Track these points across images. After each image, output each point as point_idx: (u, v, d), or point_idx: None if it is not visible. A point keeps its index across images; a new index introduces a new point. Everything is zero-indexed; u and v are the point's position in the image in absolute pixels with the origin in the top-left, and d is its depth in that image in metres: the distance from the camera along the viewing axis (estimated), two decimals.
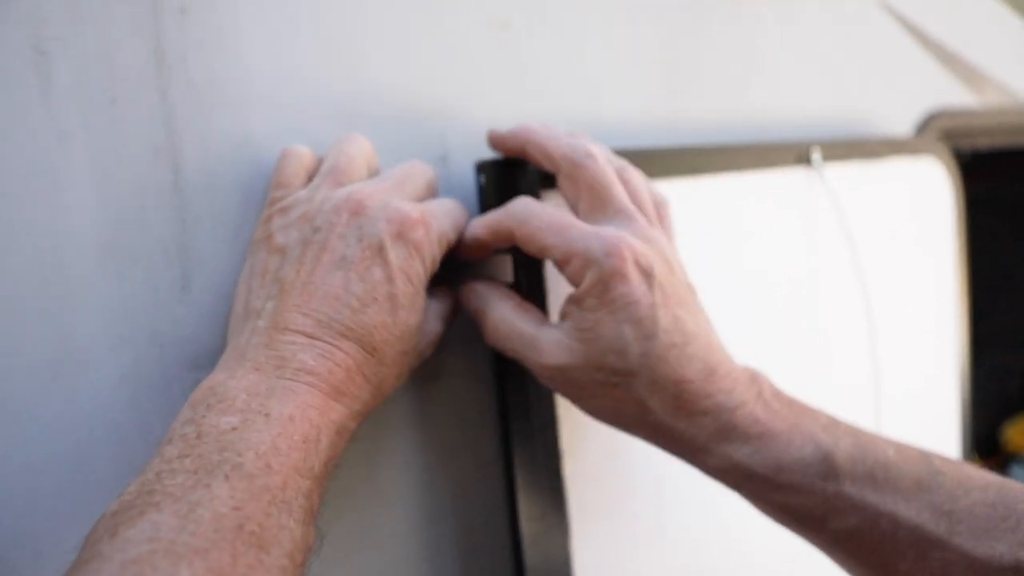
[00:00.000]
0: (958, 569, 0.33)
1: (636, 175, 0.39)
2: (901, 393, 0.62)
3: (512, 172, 0.41)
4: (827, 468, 0.35)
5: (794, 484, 0.35)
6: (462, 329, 0.43)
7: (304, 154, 0.38)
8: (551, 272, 0.42)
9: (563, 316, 0.36)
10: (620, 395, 0.35)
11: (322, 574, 0.40)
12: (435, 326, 0.38)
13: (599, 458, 0.45)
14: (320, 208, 0.35)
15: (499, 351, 0.38)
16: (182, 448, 0.27)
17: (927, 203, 0.67)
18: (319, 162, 0.38)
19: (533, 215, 0.36)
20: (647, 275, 0.35)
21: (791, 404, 0.37)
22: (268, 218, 0.36)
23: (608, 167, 0.38)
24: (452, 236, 0.37)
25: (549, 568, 0.43)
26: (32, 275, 0.33)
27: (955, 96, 0.75)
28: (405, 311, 0.34)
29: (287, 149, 0.38)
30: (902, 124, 0.70)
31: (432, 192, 0.39)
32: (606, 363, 0.34)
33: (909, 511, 0.34)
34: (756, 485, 0.36)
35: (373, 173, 0.39)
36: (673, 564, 0.49)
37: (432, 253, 0.35)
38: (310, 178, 0.38)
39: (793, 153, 0.54)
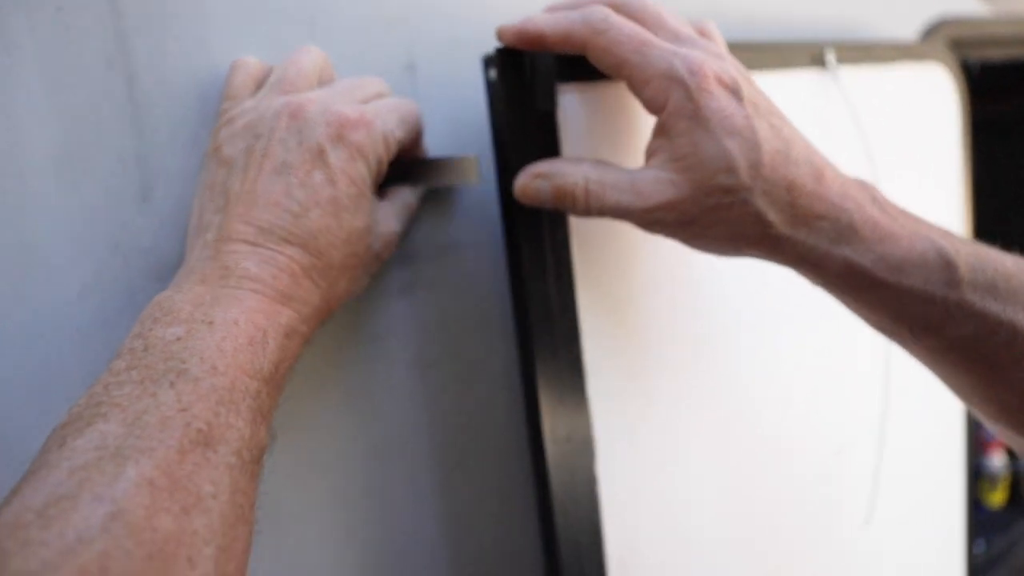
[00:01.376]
0: None
1: (672, 14, 0.37)
2: None
3: (526, 61, 0.38)
4: (949, 275, 0.34)
5: (916, 290, 0.34)
6: (426, 242, 0.43)
7: (253, 65, 0.37)
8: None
9: (651, 154, 0.35)
10: (736, 215, 0.34)
11: (338, 488, 0.41)
12: (391, 226, 0.37)
13: (624, 377, 0.44)
14: (262, 116, 0.34)
15: (598, 215, 0.36)
16: (129, 361, 0.28)
17: (933, 114, 0.65)
18: (268, 72, 0.38)
19: (612, 25, 0.34)
20: (734, 90, 0.34)
21: (905, 212, 0.37)
22: (216, 131, 0.36)
23: (640, 7, 0.36)
24: (400, 134, 0.36)
25: (576, 489, 0.42)
26: None
27: (963, 4, 0.72)
28: (350, 213, 0.34)
29: (237, 61, 0.37)
30: (908, 31, 0.68)
31: (380, 99, 0.38)
32: (717, 183, 0.33)
33: None
34: (876, 292, 0.35)
35: (325, 85, 0.38)
36: (699, 483, 0.49)
37: (377, 154, 0.35)
38: (260, 89, 0.37)
39: (807, 53, 0.52)
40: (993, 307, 0.34)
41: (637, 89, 0.34)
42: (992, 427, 0.39)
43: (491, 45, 0.43)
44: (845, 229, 0.34)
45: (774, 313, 0.52)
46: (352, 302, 0.41)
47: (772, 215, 0.34)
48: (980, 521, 1.09)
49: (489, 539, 0.46)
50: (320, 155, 0.33)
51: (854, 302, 0.37)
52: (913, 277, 0.34)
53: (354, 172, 0.34)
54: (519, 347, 0.41)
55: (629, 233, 0.44)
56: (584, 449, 0.42)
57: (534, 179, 0.36)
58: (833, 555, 0.59)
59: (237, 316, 0.30)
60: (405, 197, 0.39)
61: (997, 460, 1.14)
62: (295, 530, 0.40)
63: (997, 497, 1.14)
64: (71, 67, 0.34)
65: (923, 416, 0.64)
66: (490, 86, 0.38)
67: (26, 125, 0.33)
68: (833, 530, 0.59)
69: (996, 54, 0.78)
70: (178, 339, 0.28)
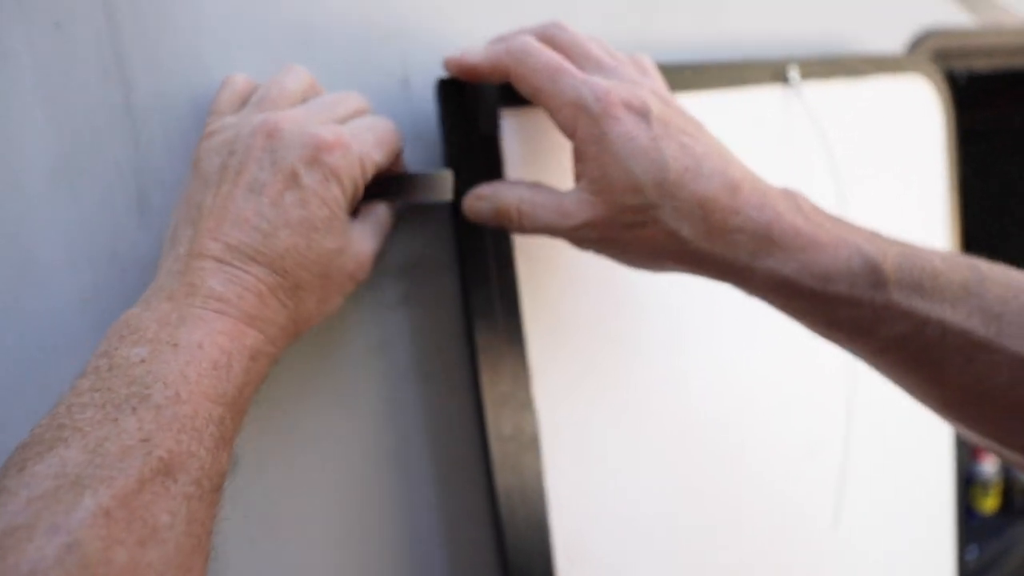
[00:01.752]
0: (1006, 369, 0.34)
1: (598, 43, 0.39)
2: None
3: (470, 92, 0.40)
4: (875, 277, 0.35)
5: (842, 296, 0.35)
6: (428, 255, 0.43)
7: (241, 82, 0.37)
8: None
9: (577, 177, 0.37)
10: (651, 233, 0.35)
11: (336, 496, 0.41)
12: (366, 246, 0.37)
13: (569, 377, 0.45)
14: (238, 133, 0.34)
15: (532, 234, 0.38)
16: (94, 381, 0.28)
17: (915, 126, 0.65)
18: (255, 89, 0.38)
19: (530, 55, 0.36)
20: (641, 112, 0.35)
21: (832, 218, 0.37)
22: (199, 144, 0.36)
23: (568, 39, 0.38)
24: (378, 157, 0.36)
25: (523, 487, 0.43)
26: None
27: (950, 16, 0.73)
28: (320, 235, 0.34)
29: (227, 78, 0.37)
30: (893, 44, 0.69)
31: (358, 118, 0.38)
32: (626, 203, 0.35)
33: (957, 316, 0.35)
34: (804, 300, 0.36)
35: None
36: (648, 480, 0.49)
37: (352, 176, 0.35)
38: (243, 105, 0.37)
39: (768, 71, 0.53)
40: (920, 305, 0.35)
41: (552, 115, 0.36)
42: (946, 422, 0.40)
43: None
44: (763, 240, 0.35)
45: (733, 310, 0.53)
46: (352, 314, 0.41)
47: (686, 231, 0.35)
48: (973, 527, 1.09)
49: (486, 546, 0.46)
50: (293, 176, 0.33)
51: (788, 311, 0.38)
52: (838, 283, 0.35)
53: (327, 194, 0.34)
54: (469, 351, 0.43)
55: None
56: (530, 445, 0.43)
57: (476, 200, 0.38)
58: (797, 555, 0.59)
59: (201, 339, 0.29)
60: (379, 215, 0.39)
61: (989, 466, 1.14)
62: (294, 538, 0.40)
63: (990, 503, 1.15)
64: (68, 79, 0.34)
65: (907, 420, 0.65)
66: (440, 112, 0.41)
67: (23, 136, 0.34)
68: (797, 530, 0.59)
69: (982, 64, 0.79)
70: (142, 361, 0.28)
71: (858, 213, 0.58)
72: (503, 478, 0.42)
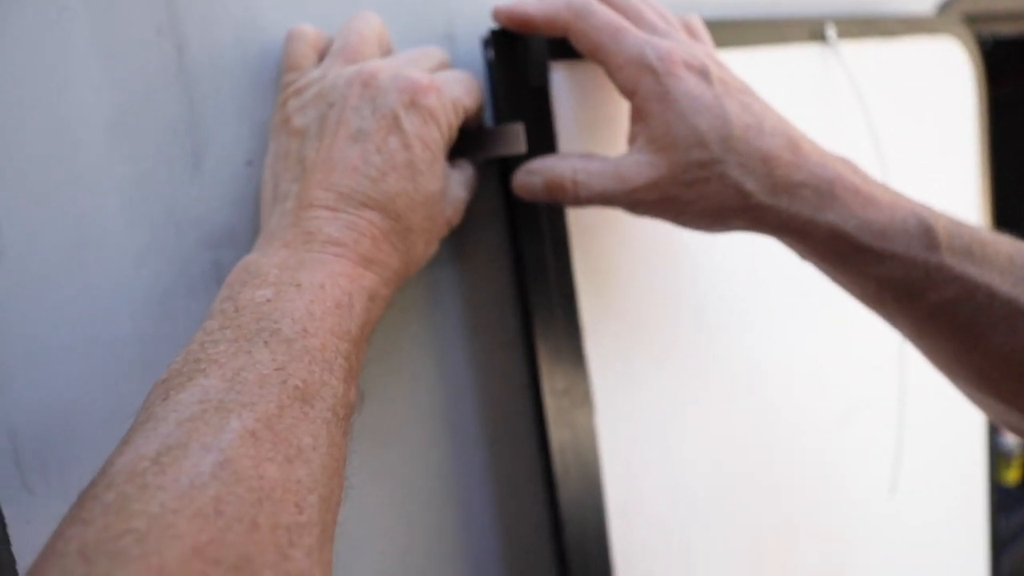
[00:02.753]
0: None
1: (652, 6, 0.39)
2: None
3: (520, 44, 0.40)
4: (929, 239, 0.35)
5: (897, 254, 0.36)
6: (475, 212, 0.43)
7: (311, 33, 0.37)
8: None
9: (631, 139, 0.37)
10: (715, 188, 0.35)
11: (389, 453, 0.41)
12: (459, 193, 0.38)
13: (620, 334, 0.45)
14: (333, 85, 0.35)
15: (588, 204, 0.38)
16: (222, 321, 0.28)
17: (947, 88, 0.65)
18: (327, 41, 0.38)
19: (593, 12, 0.36)
20: (702, 72, 0.36)
21: (883, 185, 0.38)
22: (283, 102, 0.36)
23: (624, 2, 0.38)
24: (467, 103, 0.37)
25: (576, 442, 0.43)
26: (45, 153, 0.33)
27: None
28: (425, 177, 0.34)
29: (293, 30, 0.37)
30: (922, 6, 0.68)
31: (445, 69, 0.39)
32: (691, 159, 0.35)
33: (1004, 284, 0.35)
34: (861, 258, 0.36)
35: (385, 52, 0.39)
36: (699, 440, 0.49)
37: (448, 119, 0.35)
38: (320, 58, 0.38)
39: (806, 28, 0.52)
40: (971, 270, 0.35)
41: (611, 73, 0.36)
42: (971, 396, 0.40)
43: None
44: (826, 195, 0.36)
45: (785, 274, 0.53)
46: None
47: (750, 185, 0.35)
48: (995, 498, 1.09)
49: (535, 501, 0.46)
50: (394, 121, 0.33)
51: (839, 270, 0.38)
52: (895, 242, 0.36)
53: (428, 136, 0.34)
54: (520, 307, 0.43)
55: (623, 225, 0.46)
56: (583, 401, 0.43)
57: (527, 175, 0.38)
58: (848, 519, 0.60)
59: (323, 280, 0.30)
60: (467, 167, 0.39)
61: (1011, 437, 1.15)
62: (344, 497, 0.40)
63: (1012, 475, 1.15)
64: (122, 35, 0.34)
65: (942, 391, 0.65)
66: (489, 65, 0.41)
67: (80, 92, 0.33)
68: (848, 494, 0.59)
69: (1009, 29, 0.78)
70: (268, 301, 0.29)
71: (895, 173, 0.57)
72: (557, 433, 0.42)
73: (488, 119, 0.41)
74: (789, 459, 0.55)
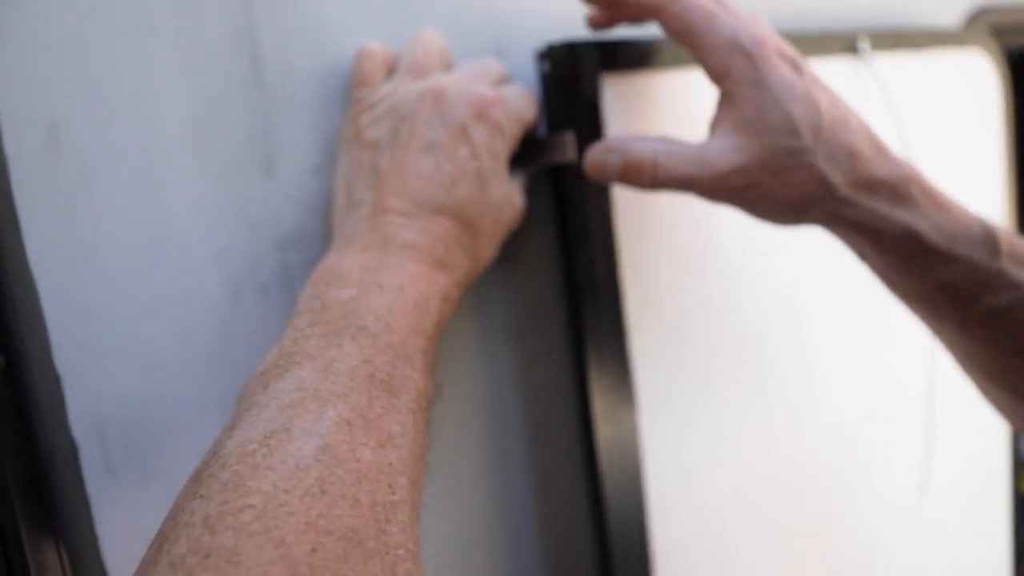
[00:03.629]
0: None
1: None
2: None
3: (573, 56, 0.41)
4: (991, 245, 0.37)
5: (961, 257, 0.37)
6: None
7: (379, 51, 0.40)
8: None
9: (715, 125, 0.37)
10: (801, 177, 0.36)
11: (432, 446, 0.43)
12: (519, 199, 0.40)
13: (663, 334, 0.47)
14: (405, 99, 0.37)
15: (663, 188, 0.37)
16: (310, 318, 0.31)
17: (975, 101, 0.66)
18: (394, 57, 0.40)
19: None
20: (794, 63, 0.36)
21: (947, 194, 0.39)
22: (355, 116, 0.38)
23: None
24: (527, 116, 0.39)
25: (619, 438, 0.45)
26: (132, 160, 0.35)
27: None
28: (491, 185, 0.37)
29: (363, 49, 0.40)
30: (950, 18, 0.70)
31: (505, 83, 0.41)
32: (782, 145, 0.35)
33: None
34: (927, 258, 0.37)
35: (447, 65, 0.41)
36: (732, 438, 0.51)
37: (511, 130, 0.37)
38: (388, 73, 0.40)
39: (839, 42, 0.54)
40: None
41: (703, 56, 0.36)
42: (1005, 405, 0.42)
43: (577, 30, 0.45)
44: (903, 195, 0.37)
45: (821, 280, 0.55)
46: None
47: (835, 177, 0.36)
48: (1018, 507, 1.09)
49: (572, 502, 0.48)
50: (464, 132, 0.36)
51: (901, 271, 0.39)
52: (961, 245, 0.37)
53: (494, 146, 0.36)
54: (568, 306, 0.44)
55: (672, 212, 0.47)
56: (627, 398, 0.45)
57: (605, 153, 0.37)
58: (880, 522, 0.61)
59: (402, 281, 0.32)
60: (523, 175, 0.41)
61: None
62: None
63: None
64: (204, 49, 0.36)
65: (967, 398, 0.66)
66: (542, 78, 0.42)
67: (164, 103, 0.36)
68: (881, 497, 0.61)
69: None
70: (352, 299, 0.31)
71: None
72: (603, 429, 0.44)
73: (541, 130, 0.43)
74: (820, 460, 0.57)
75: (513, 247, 0.45)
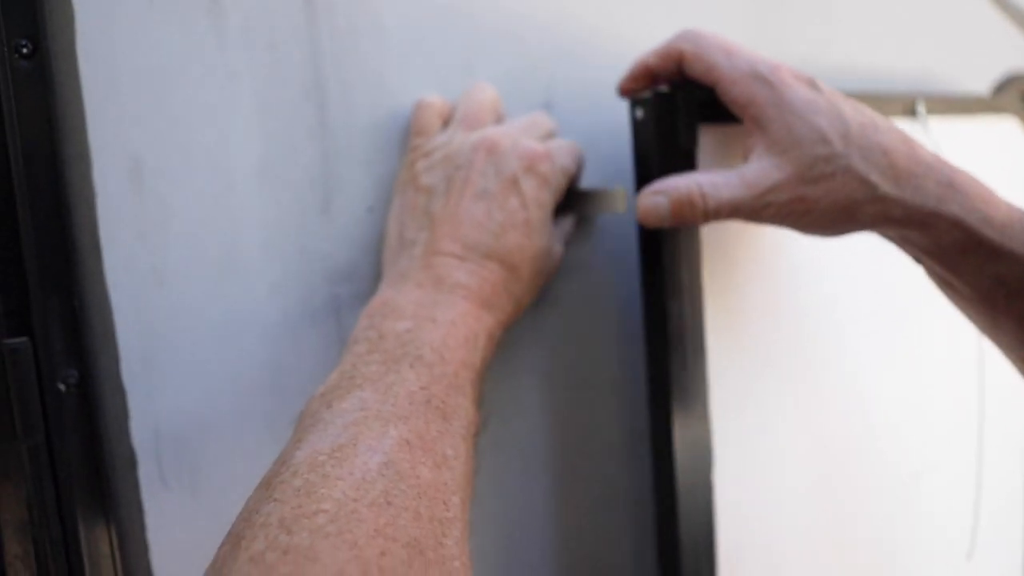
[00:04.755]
0: None
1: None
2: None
3: (674, 103, 0.41)
4: None
5: (1015, 252, 0.37)
6: (600, 265, 0.47)
7: (436, 103, 0.42)
8: None
9: (749, 151, 0.38)
10: (842, 182, 0.36)
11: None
12: (559, 248, 0.42)
13: (742, 386, 0.48)
14: (459, 149, 0.40)
15: (715, 217, 0.38)
16: (368, 347, 0.33)
17: (1009, 162, 0.68)
18: (450, 108, 0.43)
19: (703, 36, 0.39)
20: (810, 83, 0.38)
21: (994, 189, 0.39)
22: (412, 162, 0.41)
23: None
24: (573, 170, 0.41)
25: (696, 459, 0.44)
26: (206, 193, 0.38)
27: None
28: (538, 234, 0.39)
29: (421, 100, 0.42)
30: (979, 86, 0.71)
31: (552, 137, 0.44)
32: (816, 154, 0.36)
33: None
34: (980, 252, 0.38)
35: (499, 118, 0.44)
36: (800, 469, 0.52)
37: (558, 183, 0.40)
38: (444, 124, 0.43)
39: (899, 104, 0.56)
40: None
41: (726, 88, 0.38)
42: None
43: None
44: (948, 187, 0.37)
45: (881, 319, 0.56)
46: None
47: (875, 176, 0.37)
48: None
49: (595, 536, 0.50)
50: (514, 183, 0.38)
51: (955, 268, 0.39)
52: (1014, 239, 0.37)
53: (542, 198, 0.39)
54: (649, 351, 0.44)
55: (748, 252, 0.48)
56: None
57: (653, 196, 0.38)
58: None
59: (454, 317, 0.35)
60: (565, 224, 0.44)
61: None
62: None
63: None
64: (277, 95, 0.39)
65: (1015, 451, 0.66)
66: (636, 124, 0.42)
67: (238, 143, 0.39)
68: (931, 556, 0.61)
69: None
70: (408, 331, 0.33)
71: None
72: (681, 439, 0.43)
73: (630, 178, 0.43)
74: (870, 512, 0.57)
75: (579, 294, 0.48)
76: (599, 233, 0.49)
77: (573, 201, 0.43)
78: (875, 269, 0.55)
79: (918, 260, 0.41)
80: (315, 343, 0.41)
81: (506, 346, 0.46)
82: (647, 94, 0.41)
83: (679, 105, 0.42)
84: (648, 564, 0.52)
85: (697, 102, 0.42)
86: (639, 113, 0.42)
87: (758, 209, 0.37)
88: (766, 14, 0.57)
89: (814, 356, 0.53)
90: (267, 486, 0.26)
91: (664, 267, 0.43)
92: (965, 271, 0.39)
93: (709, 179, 0.37)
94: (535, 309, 0.47)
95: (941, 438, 0.61)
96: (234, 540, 0.25)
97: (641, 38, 0.51)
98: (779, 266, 0.50)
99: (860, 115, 0.38)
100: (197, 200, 0.38)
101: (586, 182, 0.47)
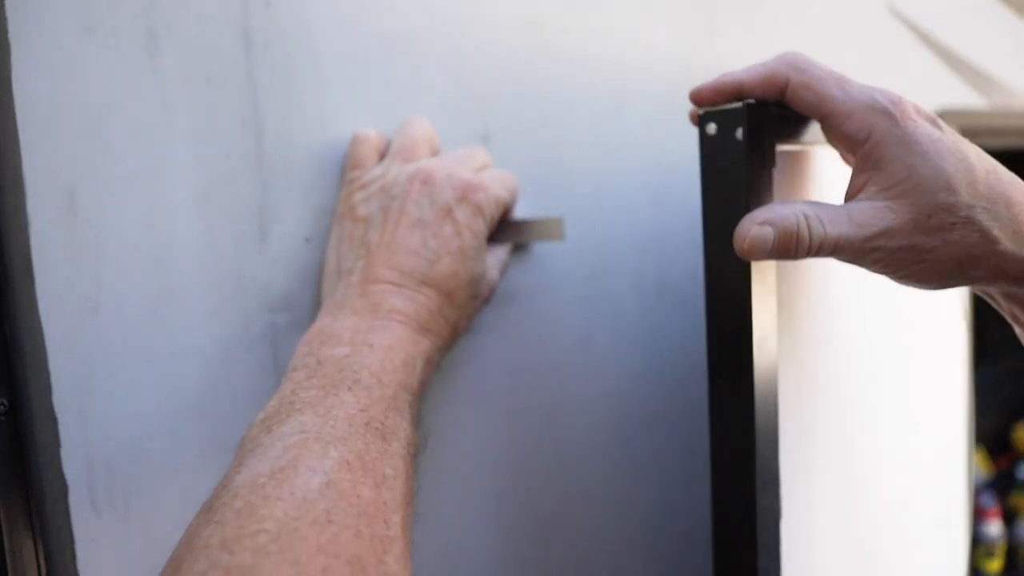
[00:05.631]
0: None
1: None
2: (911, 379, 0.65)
3: (761, 117, 0.38)
4: None
5: None
6: (547, 290, 0.48)
7: (373, 137, 0.44)
8: None
9: (858, 188, 0.35)
10: (961, 234, 0.33)
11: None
12: (493, 275, 0.44)
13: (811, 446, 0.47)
14: (395, 181, 0.41)
15: (818, 254, 0.35)
16: (307, 373, 0.34)
17: None
18: (386, 142, 0.44)
19: (812, 64, 0.36)
20: (932, 119, 0.35)
21: None
22: (349, 194, 0.42)
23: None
24: (507, 199, 0.43)
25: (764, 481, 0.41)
26: (142, 223, 0.39)
27: (961, 97, 0.80)
28: (472, 261, 0.40)
29: (358, 134, 0.44)
30: None
31: (487, 169, 0.45)
32: (939, 203, 0.33)
33: None
34: None
35: (434, 151, 0.45)
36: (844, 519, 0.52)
37: (491, 212, 0.41)
38: (380, 157, 0.44)
39: None
40: None
41: (839, 122, 0.35)
42: None
43: (559, 121, 0.50)
44: None
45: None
46: None
47: (997, 231, 0.34)
48: None
49: (536, 561, 0.50)
50: (448, 213, 0.40)
51: None
52: None
53: (475, 226, 0.40)
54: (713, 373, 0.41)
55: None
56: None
57: (759, 226, 0.35)
58: None
59: (392, 342, 0.36)
60: (500, 252, 0.45)
61: (994, 528, 1.17)
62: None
63: (994, 565, 1.17)
64: (214, 127, 0.40)
65: (928, 486, 0.68)
66: (707, 140, 0.39)
67: (175, 173, 0.39)
68: None
69: (993, 143, 0.85)
70: (345, 356, 0.34)
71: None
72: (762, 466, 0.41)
73: (695, 195, 0.40)
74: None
75: (532, 318, 0.49)
76: (536, 261, 0.50)
77: (509, 230, 0.45)
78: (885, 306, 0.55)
79: (1014, 320, 0.38)
80: (252, 370, 0.42)
81: (445, 371, 0.47)
82: (730, 106, 0.38)
83: (766, 121, 0.38)
84: None
85: (779, 120, 0.39)
86: (711, 128, 0.38)
87: (864, 252, 0.34)
88: (692, 62, 0.59)
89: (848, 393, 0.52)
90: (208, 510, 0.27)
91: (735, 282, 0.39)
92: None
93: (815, 211, 0.34)
94: (473, 335, 0.48)
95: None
96: (175, 564, 0.25)
97: (577, 74, 0.52)
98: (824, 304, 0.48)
99: (984, 161, 0.35)
100: (132, 229, 0.39)
101: (522, 212, 0.48)
